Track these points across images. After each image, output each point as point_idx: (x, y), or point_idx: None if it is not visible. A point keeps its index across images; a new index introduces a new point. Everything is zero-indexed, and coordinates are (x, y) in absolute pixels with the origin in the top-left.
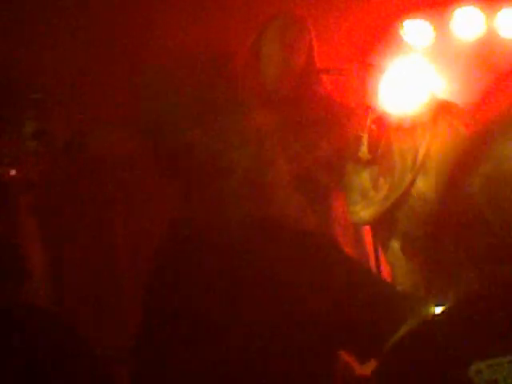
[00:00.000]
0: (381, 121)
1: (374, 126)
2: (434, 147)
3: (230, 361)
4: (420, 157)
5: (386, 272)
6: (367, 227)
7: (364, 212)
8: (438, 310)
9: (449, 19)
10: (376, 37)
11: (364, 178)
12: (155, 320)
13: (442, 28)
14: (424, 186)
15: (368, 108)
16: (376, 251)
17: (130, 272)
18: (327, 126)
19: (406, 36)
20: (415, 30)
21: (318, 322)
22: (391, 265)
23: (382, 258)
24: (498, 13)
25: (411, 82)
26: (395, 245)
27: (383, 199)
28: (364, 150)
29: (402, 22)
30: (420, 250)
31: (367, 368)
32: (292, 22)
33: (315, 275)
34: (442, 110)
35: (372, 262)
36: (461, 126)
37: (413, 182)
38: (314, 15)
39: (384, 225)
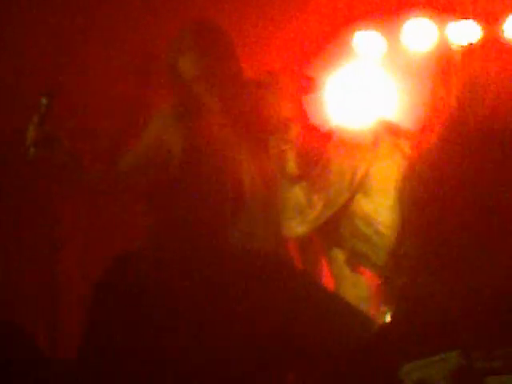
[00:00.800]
0: (312, 135)
1: (301, 141)
2: (377, 168)
3: None
4: (358, 177)
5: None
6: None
7: (299, 228)
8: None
9: (400, 30)
10: (325, 47)
11: (297, 193)
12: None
13: (393, 39)
14: (366, 206)
15: (290, 122)
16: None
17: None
18: (253, 141)
19: (357, 47)
20: (366, 41)
21: (267, 341)
22: (335, 276)
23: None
24: (449, 24)
25: (360, 94)
26: (340, 257)
27: (317, 217)
28: (291, 165)
29: (353, 33)
30: (365, 265)
31: None
32: (206, 30)
33: (264, 294)
34: (387, 130)
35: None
36: (407, 148)
37: (349, 202)
38: (257, 24)
39: (328, 238)
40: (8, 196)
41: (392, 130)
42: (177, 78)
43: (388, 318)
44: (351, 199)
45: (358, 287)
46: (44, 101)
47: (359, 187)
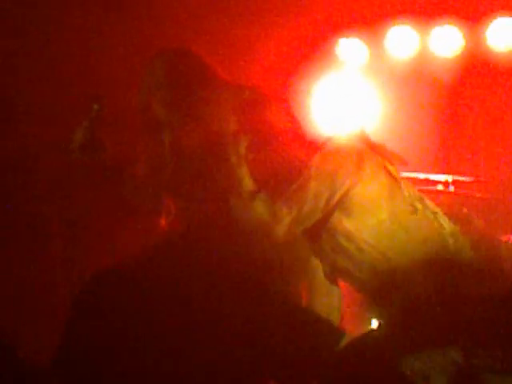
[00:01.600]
0: (259, 145)
1: (251, 154)
2: (360, 188)
3: None
4: (335, 200)
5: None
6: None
7: (268, 242)
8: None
9: (383, 38)
10: (309, 54)
11: (259, 210)
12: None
13: (376, 46)
14: (348, 224)
15: (238, 135)
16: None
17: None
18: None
19: (341, 54)
20: (350, 49)
21: (242, 349)
22: (309, 284)
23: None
24: (431, 31)
25: (343, 101)
26: (319, 268)
27: (284, 231)
28: (246, 183)
29: (336, 41)
30: (345, 279)
31: None
32: (177, 63)
33: (240, 305)
34: (372, 149)
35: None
36: (391, 167)
37: (324, 220)
38: (241, 33)
39: (308, 249)
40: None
41: (376, 150)
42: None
43: (374, 323)
44: (325, 219)
45: (331, 296)
46: (95, 106)
47: (336, 208)
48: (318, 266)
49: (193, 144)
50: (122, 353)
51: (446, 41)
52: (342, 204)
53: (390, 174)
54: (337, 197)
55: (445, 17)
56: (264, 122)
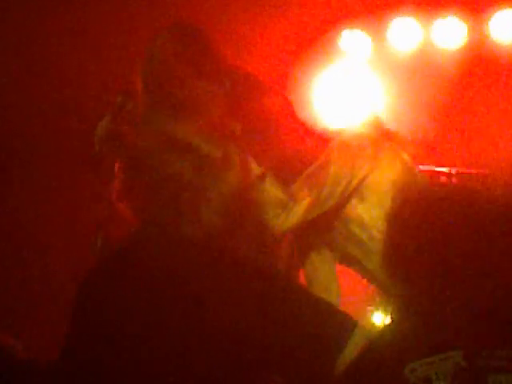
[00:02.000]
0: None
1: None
2: (376, 176)
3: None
4: (353, 185)
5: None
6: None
7: (286, 223)
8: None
9: (386, 30)
10: (312, 46)
11: (272, 191)
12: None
13: (379, 38)
14: (362, 211)
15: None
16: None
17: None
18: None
19: (344, 46)
20: (353, 41)
21: (252, 344)
22: (308, 278)
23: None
24: (434, 23)
25: (346, 92)
26: (318, 260)
27: (304, 212)
28: (252, 167)
29: (339, 32)
30: (355, 268)
31: None
32: (182, 33)
33: (249, 299)
34: (387, 137)
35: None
36: (406, 156)
37: (340, 206)
38: (244, 24)
39: (318, 239)
40: None
41: (392, 137)
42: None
43: (375, 317)
44: (342, 205)
45: (330, 292)
46: (120, 99)
47: (353, 194)
48: (318, 261)
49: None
50: (126, 347)
51: (449, 32)
52: (358, 190)
53: (404, 162)
54: (355, 182)
55: (448, 8)
56: (259, 109)
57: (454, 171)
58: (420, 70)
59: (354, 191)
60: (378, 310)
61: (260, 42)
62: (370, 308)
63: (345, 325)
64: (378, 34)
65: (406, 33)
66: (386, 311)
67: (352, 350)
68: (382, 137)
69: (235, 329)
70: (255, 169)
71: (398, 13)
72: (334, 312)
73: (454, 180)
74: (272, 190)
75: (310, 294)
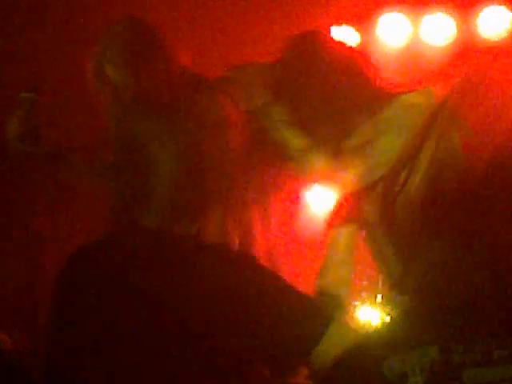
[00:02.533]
0: None
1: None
2: (432, 145)
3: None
4: (404, 156)
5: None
6: None
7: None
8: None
9: (374, 25)
10: None
11: (319, 162)
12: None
13: (367, 34)
14: (412, 187)
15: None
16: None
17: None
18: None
19: None
20: (341, 36)
21: (235, 336)
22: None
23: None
24: (423, 19)
25: None
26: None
27: (358, 181)
28: (292, 142)
29: (328, 28)
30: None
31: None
32: (133, 29)
33: (229, 289)
34: (442, 107)
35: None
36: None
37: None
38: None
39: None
40: None
41: (448, 107)
42: (104, 82)
43: (360, 312)
44: (390, 175)
45: (344, 269)
46: (28, 96)
47: (405, 164)
48: (338, 235)
49: None
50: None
51: (438, 28)
52: (410, 161)
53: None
54: (407, 152)
55: (436, 4)
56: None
57: None
58: (409, 65)
59: (406, 161)
60: (363, 304)
61: (250, 38)
62: (355, 303)
63: (319, 319)
64: (366, 30)
65: (394, 28)
66: (374, 306)
67: (328, 345)
68: (436, 105)
69: (210, 320)
70: (295, 144)
71: (386, 8)
72: (308, 304)
73: None
74: (318, 161)
75: (282, 279)
